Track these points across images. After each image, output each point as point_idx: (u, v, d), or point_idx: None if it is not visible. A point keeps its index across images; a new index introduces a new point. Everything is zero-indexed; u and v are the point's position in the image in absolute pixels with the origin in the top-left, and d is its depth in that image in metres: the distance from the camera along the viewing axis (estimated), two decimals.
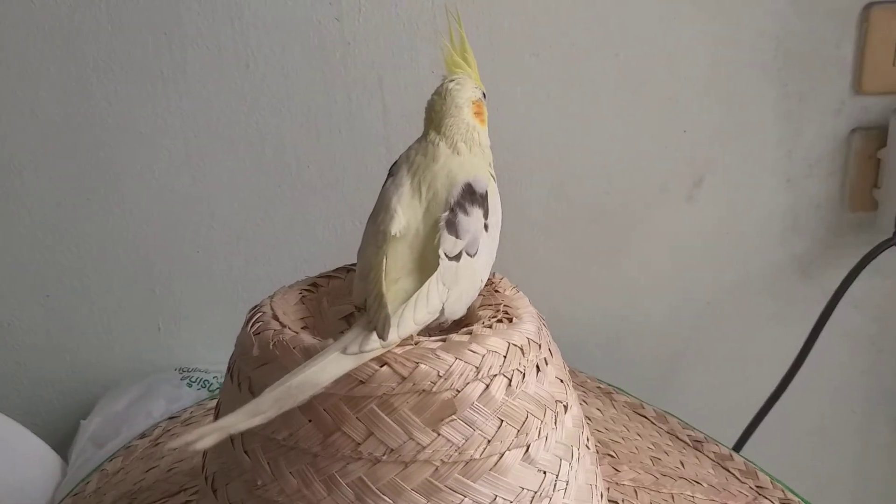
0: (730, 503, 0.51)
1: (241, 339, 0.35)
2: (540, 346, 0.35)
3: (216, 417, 0.36)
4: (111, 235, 0.67)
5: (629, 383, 0.57)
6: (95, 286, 0.68)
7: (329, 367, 0.28)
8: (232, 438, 0.34)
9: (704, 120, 0.67)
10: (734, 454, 0.56)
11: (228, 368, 0.37)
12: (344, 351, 0.29)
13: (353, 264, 0.44)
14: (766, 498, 0.51)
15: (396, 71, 0.65)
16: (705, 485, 0.53)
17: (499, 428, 0.31)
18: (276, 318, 0.35)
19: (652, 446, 0.56)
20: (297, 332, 0.33)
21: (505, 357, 0.32)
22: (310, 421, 0.31)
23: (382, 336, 0.29)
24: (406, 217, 0.36)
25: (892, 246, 0.64)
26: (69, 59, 0.62)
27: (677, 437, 0.58)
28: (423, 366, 0.31)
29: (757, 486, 0.53)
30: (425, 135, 0.39)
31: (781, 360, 0.70)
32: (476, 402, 0.31)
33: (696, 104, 0.67)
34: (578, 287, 0.71)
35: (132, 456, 0.55)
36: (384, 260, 0.34)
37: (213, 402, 0.60)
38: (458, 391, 0.31)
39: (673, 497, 0.49)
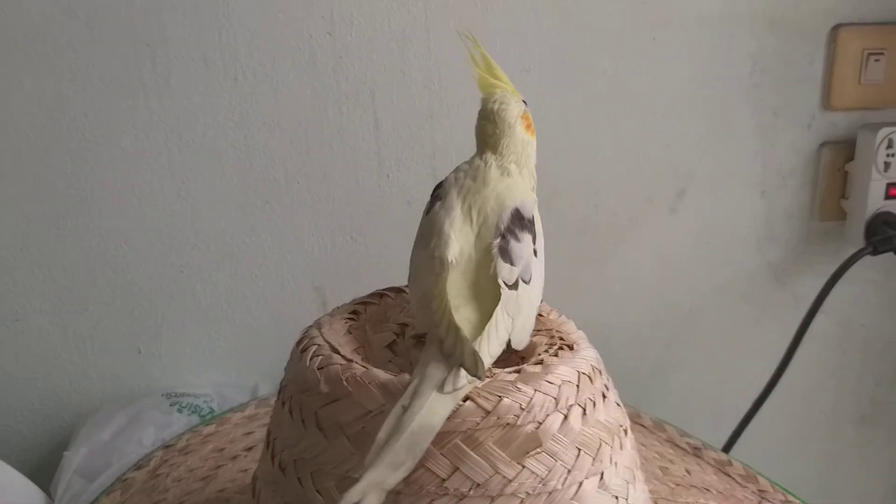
0: None
1: (302, 373, 0.34)
2: (601, 371, 0.35)
3: (272, 454, 0.35)
4: (87, 255, 0.64)
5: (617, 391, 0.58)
6: (69, 309, 0.65)
7: (437, 409, 0.28)
8: (300, 478, 0.33)
9: (686, 134, 0.69)
10: (733, 460, 0.58)
11: (283, 402, 0.35)
12: (441, 390, 0.28)
13: (388, 289, 0.44)
14: (769, 501, 0.53)
15: (388, 86, 0.64)
16: (714, 492, 0.54)
17: (577, 457, 0.32)
18: (335, 350, 0.34)
19: (657, 455, 0.58)
20: (366, 367, 0.32)
21: (578, 386, 0.33)
22: None
23: (479, 375, 0.28)
24: (459, 243, 0.36)
25: (866, 255, 0.67)
26: (44, 71, 0.59)
27: (677, 445, 0.60)
28: (506, 399, 0.31)
29: (759, 491, 0.55)
30: (477, 156, 0.39)
31: (761, 364, 0.73)
32: (556, 433, 0.31)
33: (679, 119, 0.69)
34: (566, 297, 0.71)
35: (130, 490, 0.52)
36: (446, 289, 0.33)
37: (208, 429, 0.58)
38: (540, 423, 0.31)
39: None
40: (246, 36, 0.61)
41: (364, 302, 0.41)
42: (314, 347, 0.35)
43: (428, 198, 0.66)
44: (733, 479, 0.56)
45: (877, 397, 0.81)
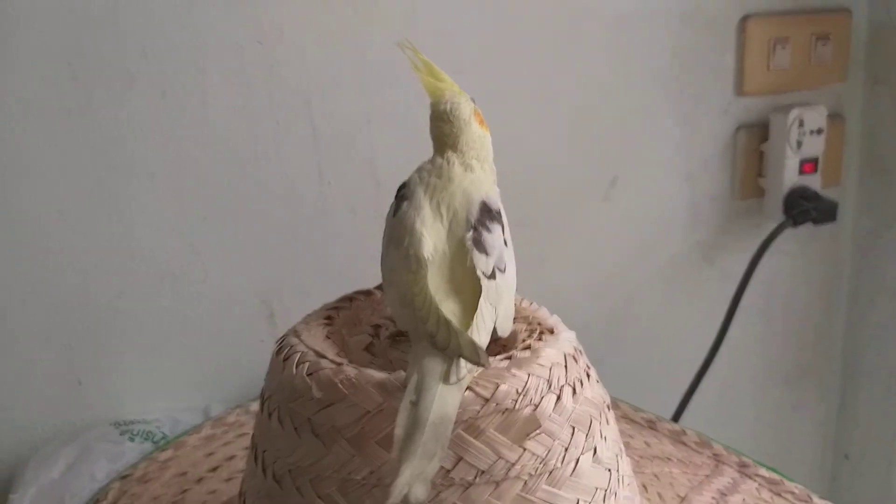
0: (700, 473, 0.55)
1: (289, 381, 0.34)
2: (581, 351, 0.36)
3: (263, 468, 0.34)
4: (15, 286, 0.60)
5: None
6: (0, 345, 0.61)
7: (448, 399, 0.28)
8: (298, 487, 0.32)
9: (614, 126, 0.72)
10: (686, 429, 0.61)
11: (269, 414, 0.35)
12: (447, 382, 0.29)
13: (357, 292, 0.44)
14: (726, 464, 0.56)
15: (324, 93, 0.63)
16: (675, 460, 0.57)
17: (572, 435, 0.33)
18: (321, 355, 0.34)
19: None
20: (359, 369, 0.32)
21: (566, 367, 0.34)
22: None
23: (483, 363, 0.29)
24: (432, 239, 0.36)
25: (787, 228, 0.72)
26: None
27: (633, 421, 0.62)
28: (503, 385, 0.31)
29: (714, 455, 0.58)
30: (438, 156, 0.40)
31: (697, 338, 0.77)
32: (552, 414, 0.32)
33: (607, 111, 0.72)
34: None
35: None
36: (427, 285, 0.34)
37: (165, 454, 0.56)
38: (537, 405, 0.32)
39: (657, 476, 0.53)
40: (171, 49, 0.59)
41: (336, 307, 0.41)
42: (298, 354, 0.35)
43: (372, 203, 0.67)
44: (689, 446, 0.59)
45: (801, 361, 0.86)
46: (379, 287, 0.44)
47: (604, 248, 0.75)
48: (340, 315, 0.41)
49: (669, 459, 0.56)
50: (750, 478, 0.54)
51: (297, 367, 0.34)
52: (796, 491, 0.52)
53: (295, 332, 0.38)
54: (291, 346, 0.36)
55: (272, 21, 0.61)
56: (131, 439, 0.59)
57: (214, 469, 0.53)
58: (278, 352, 0.37)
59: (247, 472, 0.38)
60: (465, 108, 0.40)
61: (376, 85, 0.64)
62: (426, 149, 0.69)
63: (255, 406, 0.62)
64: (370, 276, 0.69)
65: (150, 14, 0.58)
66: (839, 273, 0.85)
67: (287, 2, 0.60)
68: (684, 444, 0.59)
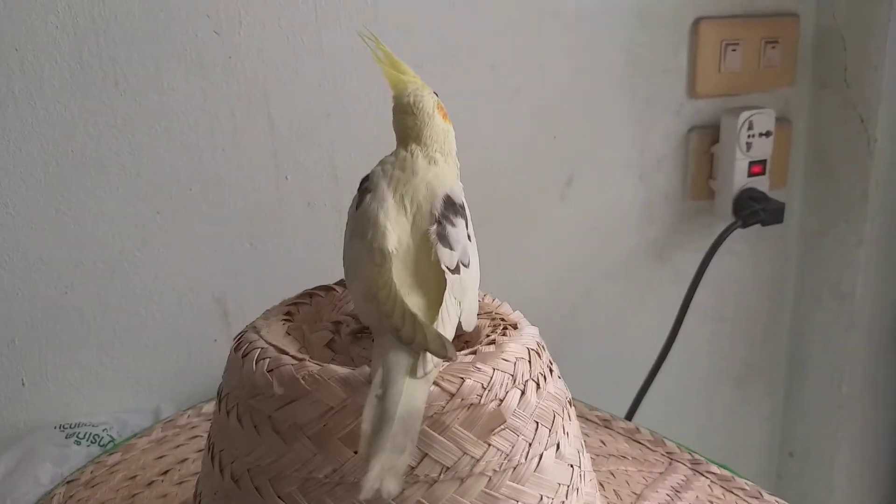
0: (655, 471, 0.56)
1: (249, 378, 0.33)
2: (544, 346, 0.37)
3: (220, 467, 0.34)
4: None
5: None
6: None
7: (415, 393, 0.28)
8: (258, 486, 0.32)
9: (571, 125, 0.73)
10: (640, 427, 0.62)
11: (227, 412, 0.34)
12: (413, 375, 0.28)
13: (318, 288, 0.43)
14: (679, 462, 0.57)
15: (282, 85, 0.62)
16: (629, 458, 0.58)
17: (536, 430, 0.33)
18: (283, 351, 0.34)
19: None
20: (321, 364, 0.32)
21: (529, 362, 0.34)
22: (355, 452, 0.30)
23: (451, 356, 0.29)
24: (396, 232, 0.36)
25: (737, 228, 0.74)
26: None
27: (587, 419, 0.63)
28: (468, 380, 0.31)
29: (668, 453, 0.59)
30: (402, 148, 0.39)
31: (650, 336, 0.78)
32: (517, 409, 0.32)
33: (563, 110, 0.72)
34: None
35: None
36: (392, 278, 0.33)
37: (113, 458, 0.54)
38: (501, 400, 0.32)
39: (612, 473, 0.54)
40: (125, 37, 0.58)
41: (296, 303, 0.40)
42: (258, 350, 0.34)
43: (330, 197, 0.66)
44: (643, 444, 0.60)
45: (749, 359, 0.88)
46: (339, 283, 0.43)
47: (560, 246, 0.76)
48: (301, 311, 0.40)
49: (624, 457, 0.57)
50: (702, 475, 0.55)
51: (256, 363, 0.33)
52: (747, 487, 0.53)
53: (254, 328, 0.37)
54: (251, 343, 0.35)
55: (230, 11, 0.59)
56: (77, 442, 0.57)
57: (165, 472, 0.52)
58: (237, 348, 0.36)
59: (202, 473, 0.37)
60: (429, 101, 0.40)
61: (335, 78, 0.63)
62: (385, 143, 0.69)
63: (209, 407, 0.61)
64: (328, 272, 0.68)
65: (103, 0, 0.56)
66: (786, 273, 0.87)
67: None
68: (638, 442, 0.60)
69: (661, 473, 0.55)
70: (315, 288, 0.42)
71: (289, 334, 0.37)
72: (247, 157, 0.63)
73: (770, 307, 0.88)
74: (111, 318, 0.63)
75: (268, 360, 0.33)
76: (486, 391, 0.31)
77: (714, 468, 0.55)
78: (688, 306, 0.74)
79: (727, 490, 0.54)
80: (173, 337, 0.65)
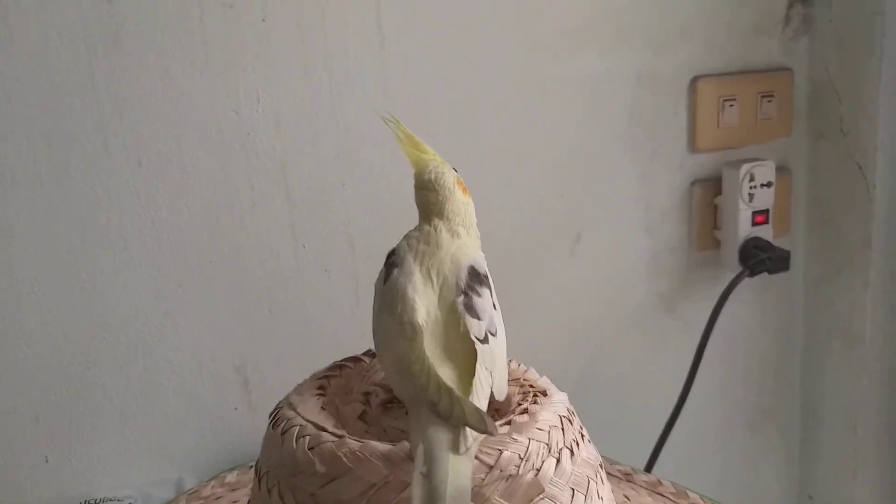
0: None
1: (290, 456, 0.34)
2: (574, 412, 0.37)
3: None
4: None
5: None
6: None
7: (461, 470, 0.28)
8: None
9: (577, 183, 0.75)
10: (662, 480, 0.62)
11: (268, 490, 0.35)
12: (457, 452, 0.29)
13: (347, 359, 0.44)
14: None
15: (299, 157, 0.64)
16: None
17: (572, 497, 0.33)
18: (322, 428, 0.34)
19: None
20: (361, 441, 0.33)
21: (563, 430, 0.35)
22: None
23: (491, 431, 0.30)
24: (425, 305, 0.37)
25: (745, 277, 0.75)
26: None
27: (610, 474, 0.63)
28: (506, 452, 0.32)
29: None
30: (425, 223, 0.41)
31: (663, 388, 0.78)
32: (553, 477, 0.33)
33: (570, 169, 0.74)
34: None
35: None
36: (424, 352, 0.35)
37: None
38: (538, 470, 0.32)
39: None
40: (148, 118, 0.60)
41: (327, 376, 0.41)
42: (297, 428, 0.35)
43: (347, 265, 0.68)
44: (667, 497, 0.60)
45: (762, 405, 0.89)
46: (367, 353, 0.45)
47: (572, 302, 0.77)
48: (332, 384, 0.41)
49: None
50: None
51: (297, 441, 0.34)
52: None
53: (289, 404, 0.38)
54: (288, 420, 0.36)
55: (248, 91, 0.62)
56: None
57: None
58: (274, 425, 0.37)
59: None
60: (449, 177, 0.42)
61: (350, 149, 0.66)
62: (400, 210, 0.71)
63: (231, 477, 0.62)
64: (345, 338, 0.69)
65: (126, 82, 0.59)
66: (794, 319, 0.88)
67: (263, 71, 0.62)
68: (661, 494, 0.60)
69: None
70: (344, 359, 0.43)
71: (324, 409, 0.38)
72: (265, 228, 0.65)
73: (780, 353, 0.88)
74: (134, 391, 0.63)
75: (308, 437, 0.34)
76: (524, 462, 0.32)
77: None
78: (701, 356, 0.75)
79: None
80: (194, 406, 0.65)
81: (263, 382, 0.67)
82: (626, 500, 0.59)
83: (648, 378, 0.81)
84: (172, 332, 0.64)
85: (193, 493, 0.60)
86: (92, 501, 0.59)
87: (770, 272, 0.77)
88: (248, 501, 0.38)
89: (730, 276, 0.77)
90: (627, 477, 0.63)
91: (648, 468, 0.75)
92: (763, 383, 0.89)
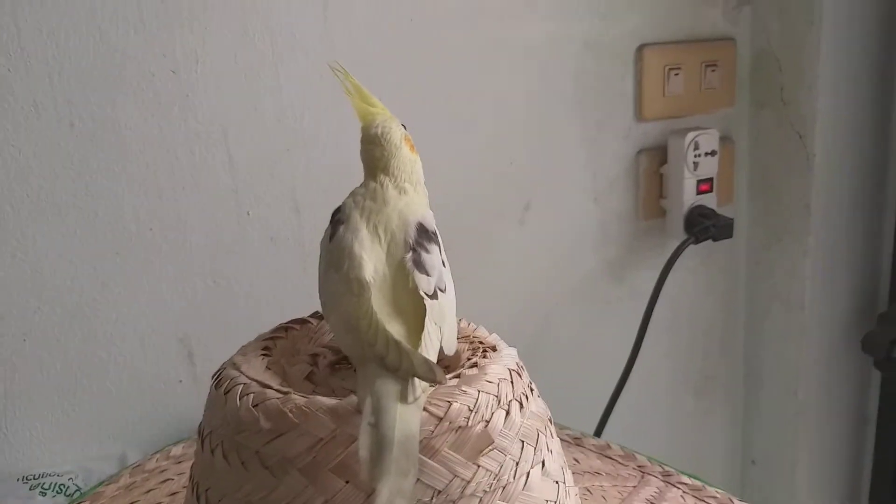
0: (629, 485, 0.57)
1: (233, 414, 0.33)
2: (523, 367, 0.37)
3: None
4: None
5: None
6: None
7: (409, 419, 0.28)
8: None
9: (526, 152, 0.75)
10: (611, 443, 0.63)
11: (211, 450, 0.34)
12: (405, 401, 0.29)
13: (293, 321, 0.43)
14: (651, 475, 0.58)
15: (241, 122, 0.63)
16: (603, 474, 0.59)
17: (522, 449, 0.33)
18: (266, 385, 0.34)
19: None
20: (307, 396, 0.32)
21: (512, 383, 0.34)
22: (347, 482, 0.30)
23: (440, 380, 0.29)
24: (372, 262, 0.36)
25: (689, 244, 0.76)
26: None
27: (560, 438, 0.64)
28: (455, 403, 0.32)
29: (639, 467, 0.60)
30: (371, 180, 0.40)
31: (611, 354, 0.79)
32: (503, 429, 0.33)
33: (518, 138, 0.74)
34: None
35: None
36: (372, 308, 0.34)
37: None
38: (488, 422, 0.32)
39: (589, 490, 0.55)
40: (80, 78, 0.57)
41: (272, 337, 0.40)
42: (240, 386, 0.34)
43: (293, 232, 0.66)
44: (615, 460, 0.61)
45: (707, 370, 0.91)
46: (314, 315, 0.44)
47: (521, 270, 0.77)
48: (278, 345, 0.40)
49: (598, 474, 0.58)
50: (674, 486, 0.56)
51: (241, 398, 0.33)
52: (718, 496, 0.54)
53: (233, 364, 0.37)
54: (232, 379, 0.35)
55: (186, 50, 0.60)
56: (42, 493, 0.55)
57: None
58: (217, 385, 0.36)
59: None
60: (396, 133, 0.41)
61: (294, 114, 0.64)
62: (346, 175, 0.69)
63: (177, 450, 0.60)
64: (292, 306, 0.67)
65: (56, 41, 0.56)
66: (736, 285, 0.90)
67: (202, 30, 0.60)
68: (610, 458, 0.61)
69: (634, 487, 0.56)
70: (290, 321, 0.42)
71: (269, 369, 0.37)
72: (207, 194, 0.63)
73: (724, 319, 0.90)
74: (72, 365, 0.61)
75: (252, 395, 0.33)
76: (473, 413, 0.32)
77: (685, 479, 0.57)
78: (648, 323, 0.76)
79: (699, 499, 0.55)
80: (137, 380, 0.64)
81: (209, 355, 0.65)
82: (575, 462, 0.60)
83: (596, 345, 0.82)
84: (111, 304, 0.61)
85: (137, 466, 0.58)
86: (31, 477, 0.57)
87: (714, 239, 0.78)
88: (192, 465, 0.37)
89: (674, 244, 0.78)
90: (577, 441, 0.64)
91: (597, 433, 0.76)
92: (708, 349, 0.91)
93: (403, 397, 0.29)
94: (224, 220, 0.64)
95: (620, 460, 0.61)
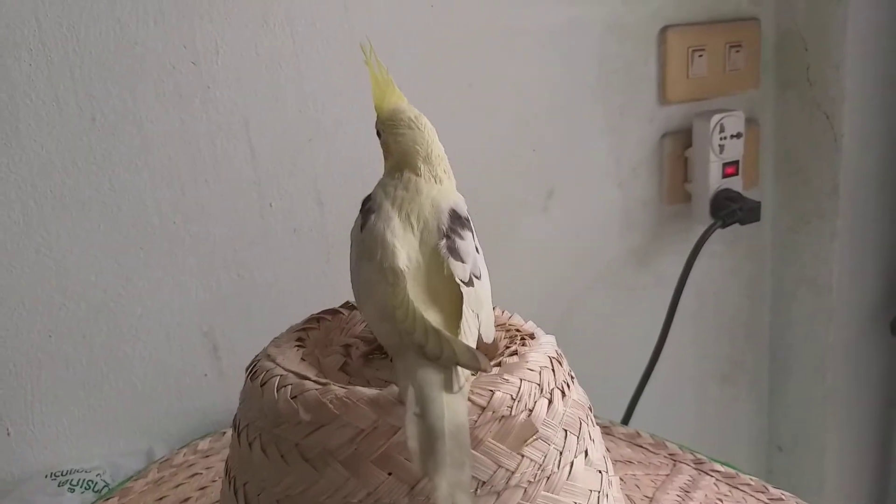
0: (661, 473, 0.56)
1: (271, 406, 0.32)
2: (563, 355, 0.37)
3: (246, 502, 0.33)
4: None
5: None
6: None
7: (457, 408, 0.27)
8: None
9: (549, 138, 0.74)
10: (640, 432, 0.62)
11: (249, 444, 0.33)
12: (450, 391, 0.28)
13: (325, 312, 0.42)
14: (682, 463, 0.58)
15: (262, 112, 0.62)
16: (635, 462, 0.58)
17: (565, 438, 0.33)
18: (303, 377, 0.33)
19: None
20: (346, 387, 0.31)
21: (553, 371, 0.34)
22: (389, 474, 0.30)
23: (485, 367, 0.28)
24: (405, 250, 0.36)
25: (717, 229, 0.75)
26: None
27: None
28: (497, 392, 0.31)
29: (670, 455, 0.59)
30: (404, 168, 0.39)
31: (637, 341, 0.78)
32: (546, 418, 0.32)
33: (540, 124, 0.73)
34: None
35: None
36: (408, 296, 0.33)
37: (110, 503, 0.52)
38: (531, 410, 0.31)
39: (622, 479, 0.54)
40: (101, 72, 0.57)
41: (305, 328, 0.40)
42: (277, 378, 0.33)
43: (316, 223, 0.65)
44: (645, 448, 0.60)
45: (733, 357, 0.90)
46: (345, 305, 0.43)
47: (545, 257, 0.76)
48: (310, 336, 0.39)
49: (630, 462, 0.57)
50: (707, 473, 0.56)
51: (278, 390, 0.33)
52: (752, 482, 0.54)
53: (268, 355, 0.36)
54: (268, 371, 0.34)
55: (206, 41, 0.59)
56: (71, 490, 0.55)
57: None
58: (253, 377, 0.35)
59: None
60: (430, 124, 0.40)
61: (315, 104, 0.63)
62: (369, 164, 0.68)
63: (204, 444, 0.60)
64: (316, 298, 0.67)
65: (77, 35, 0.55)
66: (763, 270, 0.89)
67: (221, 20, 0.59)
68: (640, 446, 0.60)
69: (667, 475, 0.56)
70: (322, 312, 0.42)
71: (304, 360, 0.36)
72: (230, 187, 0.62)
73: (750, 304, 0.89)
74: (97, 360, 0.61)
75: (290, 386, 0.32)
76: (516, 402, 0.31)
77: (717, 466, 0.56)
78: (675, 309, 0.75)
79: (733, 486, 0.54)
80: (162, 374, 0.63)
81: (233, 347, 0.65)
82: (605, 451, 0.59)
83: (621, 332, 0.81)
84: (136, 298, 0.61)
85: (165, 461, 0.58)
86: (58, 473, 0.57)
87: (741, 223, 0.77)
88: (227, 458, 0.36)
89: (700, 229, 0.77)
90: (606, 430, 0.63)
91: (625, 421, 0.75)
92: (734, 335, 0.89)
93: (448, 386, 0.28)
94: (247, 211, 0.63)
95: (651, 448, 0.60)
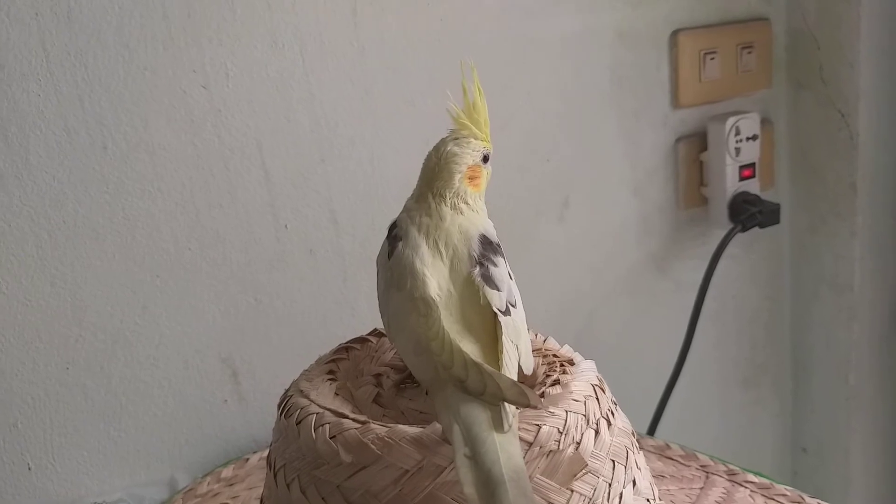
0: (695, 487, 0.55)
1: (309, 447, 0.31)
2: (603, 380, 0.36)
3: None
4: None
5: None
6: None
7: (511, 449, 0.26)
8: None
9: (563, 147, 0.73)
10: (670, 443, 0.61)
11: (287, 485, 0.32)
12: (501, 430, 0.27)
13: (353, 341, 0.41)
14: (715, 475, 0.57)
15: (274, 134, 0.61)
16: (668, 476, 0.57)
17: (613, 469, 0.32)
18: (340, 415, 0.32)
19: None
20: (388, 425, 0.30)
21: (597, 399, 0.33)
22: None
23: (535, 404, 0.27)
24: (436, 279, 0.35)
25: (737, 233, 0.74)
26: None
27: None
28: (544, 426, 0.30)
29: (702, 467, 0.58)
30: (423, 195, 0.38)
31: (658, 349, 0.77)
32: (594, 450, 0.31)
33: (554, 133, 0.72)
34: None
35: None
36: (443, 327, 0.32)
37: None
38: (579, 443, 0.30)
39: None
40: (111, 99, 0.56)
41: (335, 359, 0.39)
42: (313, 416, 0.32)
43: (332, 243, 0.65)
44: (676, 460, 0.59)
45: (755, 360, 0.88)
46: (373, 333, 0.42)
47: (563, 267, 0.75)
48: (341, 367, 0.38)
49: (662, 476, 0.56)
50: (741, 485, 0.55)
51: (315, 430, 0.32)
52: (787, 493, 0.53)
53: (300, 391, 0.35)
54: (302, 408, 0.33)
55: (216, 64, 0.58)
56: None
57: None
58: (286, 414, 0.34)
59: None
60: (461, 159, 0.40)
61: (328, 123, 0.62)
62: (382, 184, 0.68)
63: (227, 472, 0.59)
64: (334, 320, 0.67)
65: (85, 63, 0.55)
66: (782, 271, 0.88)
67: (230, 43, 0.58)
68: (671, 458, 0.59)
69: (701, 489, 0.55)
70: (350, 341, 0.41)
71: (337, 394, 0.35)
72: (244, 210, 0.61)
73: (770, 307, 0.88)
74: (116, 391, 0.60)
75: (328, 425, 0.31)
76: (563, 435, 0.30)
77: (751, 477, 0.55)
78: (699, 314, 0.74)
79: (769, 498, 0.53)
80: (181, 402, 0.62)
81: (253, 372, 0.64)
82: (651, 478, 0.58)
83: (642, 339, 0.80)
84: (153, 327, 0.60)
85: (189, 490, 0.57)
86: None
87: (761, 226, 0.76)
88: (262, 498, 0.35)
89: (718, 233, 0.76)
90: None
91: (651, 431, 0.74)
92: (755, 338, 0.88)
93: (498, 425, 0.27)
94: (262, 234, 0.62)
95: (682, 461, 0.59)
